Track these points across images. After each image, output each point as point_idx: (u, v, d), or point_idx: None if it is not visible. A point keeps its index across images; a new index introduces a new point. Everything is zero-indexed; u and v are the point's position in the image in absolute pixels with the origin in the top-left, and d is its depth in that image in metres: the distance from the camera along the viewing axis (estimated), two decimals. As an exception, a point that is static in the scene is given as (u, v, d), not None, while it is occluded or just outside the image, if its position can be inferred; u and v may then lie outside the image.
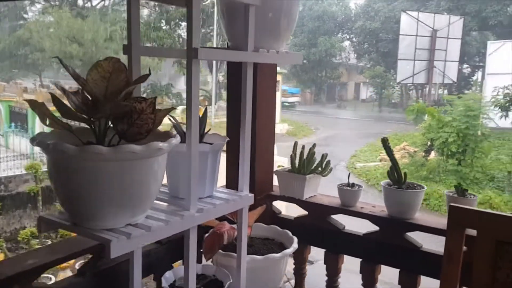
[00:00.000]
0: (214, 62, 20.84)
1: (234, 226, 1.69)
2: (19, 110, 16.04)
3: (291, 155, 2.06)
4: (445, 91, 26.64)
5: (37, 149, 12.44)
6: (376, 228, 1.93)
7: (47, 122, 1.20)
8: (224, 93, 24.50)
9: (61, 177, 1.13)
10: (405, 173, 1.84)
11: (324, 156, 2.02)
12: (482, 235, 1.51)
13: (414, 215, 1.85)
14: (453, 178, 12.81)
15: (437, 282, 1.82)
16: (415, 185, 1.87)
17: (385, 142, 1.82)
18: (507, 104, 12.76)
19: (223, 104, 21.83)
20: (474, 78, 28.06)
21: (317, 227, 2.06)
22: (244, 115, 1.52)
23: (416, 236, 1.87)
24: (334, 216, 2.05)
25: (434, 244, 1.86)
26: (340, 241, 2.02)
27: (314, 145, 2.08)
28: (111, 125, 1.19)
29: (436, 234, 1.78)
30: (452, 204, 1.56)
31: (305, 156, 2.03)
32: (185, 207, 1.34)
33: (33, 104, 1.17)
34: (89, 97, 1.19)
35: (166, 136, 1.23)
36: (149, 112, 1.20)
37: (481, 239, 1.52)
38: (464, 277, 1.55)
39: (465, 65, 28.00)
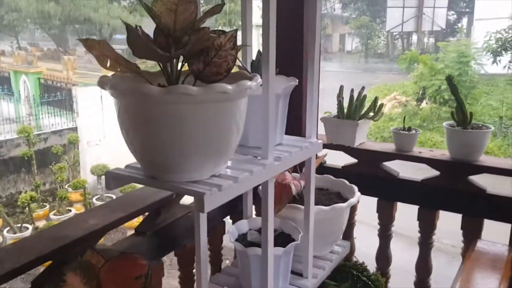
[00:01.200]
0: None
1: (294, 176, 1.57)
2: (-1, 73, 15.49)
3: (339, 100, 1.92)
4: (431, 39, 26.43)
5: (24, 112, 12.11)
6: (436, 173, 1.83)
7: (108, 64, 1.03)
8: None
9: (141, 125, 0.97)
10: (471, 113, 1.72)
11: (376, 99, 1.89)
12: None
13: (479, 157, 1.74)
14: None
15: (502, 226, 1.74)
16: (480, 125, 1.75)
17: (450, 80, 1.69)
18: (499, 49, 12.66)
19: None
20: (459, 25, 27.83)
21: (368, 175, 1.95)
22: (313, 54, 1.37)
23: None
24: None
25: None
26: (394, 188, 1.92)
27: (363, 88, 1.94)
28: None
29: (506, 175, 1.69)
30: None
31: (355, 100, 1.89)
32: (262, 156, 1.20)
33: (90, 43, 1.00)
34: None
35: (242, 76, 1.07)
36: (229, 48, 1.04)
37: None
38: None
39: (451, 12, 27.66)
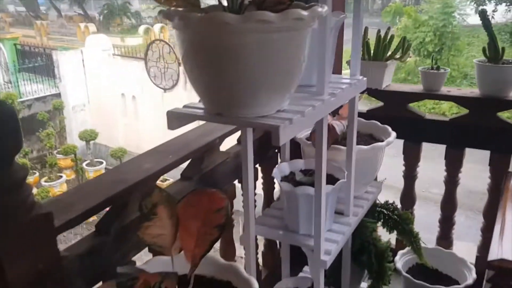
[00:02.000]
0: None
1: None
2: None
3: (366, 41, 1.90)
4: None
5: (1, 79, 11.73)
6: (465, 111, 1.85)
7: None
8: None
9: (211, 58, 0.94)
10: (503, 48, 1.72)
11: (404, 39, 1.87)
12: None
13: (509, 94, 1.76)
14: (430, 78, 12.95)
15: None
16: (511, 61, 1.76)
17: (484, 14, 1.68)
18: (482, -1, 12.67)
19: None
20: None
21: (394, 117, 1.95)
22: (358, -13, 1.34)
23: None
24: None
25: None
26: (421, 129, 1.94)
27: (389, 28, 1.92)
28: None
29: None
30: None
31: (383, 41, 1.87)
32: (318, 92, 1.18)
33: None
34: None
35: (300, 7, 1.03)
36: (293, -25, 1.00)
37: None
38: None
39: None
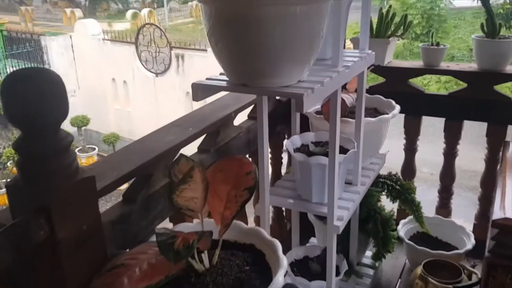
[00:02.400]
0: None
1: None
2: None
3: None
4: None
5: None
6: (463, 85, 1.92)
7: None
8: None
9: (237, 31, 1.00)
10: (499, 24, 1.79)
11: (406, 16, 1.94)
12: None
13: (505, 67, 1.84)
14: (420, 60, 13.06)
15: None
16: (507, 36, 1.83)
17: (482, -10, 1.74)
18: (469, -20, 12.73)
19: (175, 5, 20.70)
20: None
21: (396, 92, 2.02)
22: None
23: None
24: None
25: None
26: (421, 103, 2.02)
27: (390, 6, 1.98)
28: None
29: (532, 82, 1.79)
30: None
31: (386, 18, 1.93)
32: (333, 63, 1.25)
33: None
34: None
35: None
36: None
37: None
38: None
39: None
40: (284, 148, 1.93)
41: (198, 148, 1.48)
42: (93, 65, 9.84)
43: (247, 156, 1.74)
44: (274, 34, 0.98)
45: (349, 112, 1.70)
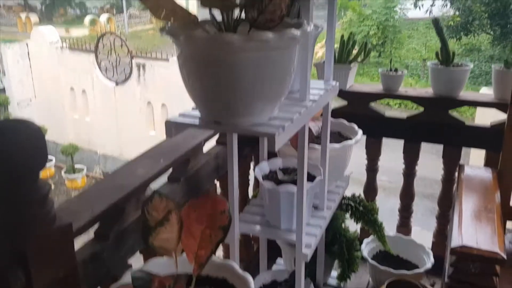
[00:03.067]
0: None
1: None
2: None
3: (331, 45, 2.02)
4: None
5: None
6: (420, 110, 2.02)
7: (163, 15, 1.07)
8: (132, 1, 22.84)
9: (212, 72, 1.03)
10: (453, 52, 1.90)
11: (366, 43, 2.02)
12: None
13: (460, 93, 1.94)
14: (375, 70, 13.43)
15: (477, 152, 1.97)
16: (460, 63, 1.94)
17: (437, 22, 1.84)
18: (421, -7, 13.24)
19: (135, 11, 20.43)
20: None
21: (358, 115, 2.10)
22: (332, 2, 1.46)
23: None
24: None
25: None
26: (382, 126, 2.10)
27: (351, 33, 2.06)
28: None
29: (483, 107, 1.91)
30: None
31: (347, 45, 2.00)
32: (301, 98, 1.30)
33: None
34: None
35: (292, 24, 1.14)
36: (282, -4, 1.10)
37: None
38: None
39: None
40: (251, 170, 1.97)
41: (168, 177, 1.49)
42: (51, 73, 9.59)
43: (216, 181, 1.77)
44: (247, 76, 1.02)
45: (314, 137, 1.75)
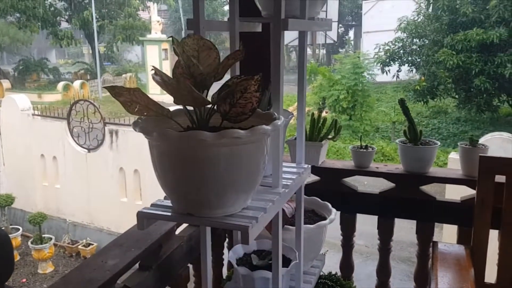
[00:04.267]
0: (95, 31, 19.50)
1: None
2: None
3: (302, 123, 2.07)
4: (322, 51, 28.13)
5: None
6: (392, 185, 2.05)
7: (136, 109, 1.09)
8: (106, 66, 23.20)
9: (184, 166, 1.03)
10: (420, 131, 1.96)
11: (336, 122, 2.07)
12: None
13: (429, 169, 1.99)
14: (347, 133, 13.74)
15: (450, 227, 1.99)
16: (428, 141, 2.00)
17: (403, 102, 1.92)
18: (387, 60, 13.86)
19: (109, 77, 20.69)
20: (347, 37, 29.87)
21: (330, 191, 2.12)
22: (302, 86, 1.50)
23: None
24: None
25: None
26: (355, 201, 2.12)
27: (321, 111, 2.11)
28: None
29: (453, 184, 1.96)
30: (481, 154, 1.72)
31: (317, 123, 2.05)
32: (273, 185, 1.31)
33: (118, 91, 1.05)
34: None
35: (268, 115, 1.17)
36: (253, 90, 1.13)
37: (510, 184, 1.70)
38: (493, 220, 1.73)
39: (339, 25, 29.58)
40: (225, 252, 1.93)
41: (140, 265, 1.45)
42: (21, 140, 9.45)
43: (189, 264, 1.72)
44: (220, 170, 1.02)
45: (288, 218, 1.75)
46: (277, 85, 1.26)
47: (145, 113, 1.11)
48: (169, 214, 1.13)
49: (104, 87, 1.12)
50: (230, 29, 1.44)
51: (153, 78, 1.11)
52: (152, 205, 1.19)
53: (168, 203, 1.17)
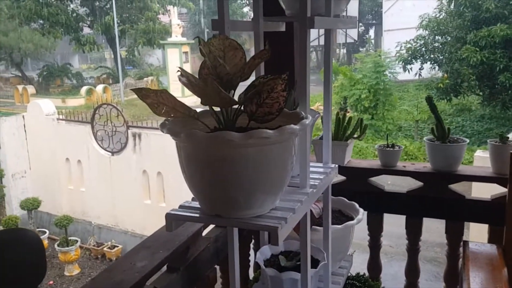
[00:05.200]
0: (117, 36, 19.78)
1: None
2: None
3: (327, 123, 2.05)
4: (342, 50, 27.93)
5: None
6: (420, 184, 2.01)
7: (163, 110, 1.09)
8: (128, 70, 23.50)
9: (213, 167, 1.02)
10: (448, 129, 1.92)
11: (361, 120, 2.05)
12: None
13: (458, 167, 1.95)
14: (369, 132, 13.61)
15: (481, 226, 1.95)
16: (456, 138, 1.96)
17: (430, 100, 1.88)
18: (409, 58, 13.68)
19: (130, 81, 20.94)
20: (368, 36, 29.60)
21: (357, 191, 2.09)
22: (328, 85, 1.49)
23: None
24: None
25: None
26: (382, 201, 2.08)
27: (346, 110, 2.09)
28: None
29: (483, 182, 1.91)
30: (514, 151, 1.67)
31: (343, 122, 2.03)
32: (301, 185, 1.29)
33: (145, 93, 1.05)
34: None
35: (296, 115, 1.16)
36: (280, 90, 1.12)
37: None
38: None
39: (359, 24, 29.36)
40: (251, 253, 1.92)
41: (168, 267, 1.45)
42: (46, 145, 9.63)
43: (216, 266, 1.72)
44: (248, 170, 1.02)
45: (316, 219, 1.73)
46: (304, 83, 1.24)
47: (172, 115, 1.10)
48: (197, 215, 1.12)
49: (131, 89, 1.13)
50: (254, 28, 1.43)
51: (180, 79, 1.10)
52: (181, 206, 1.18)
53: (196, 204, 1.16)
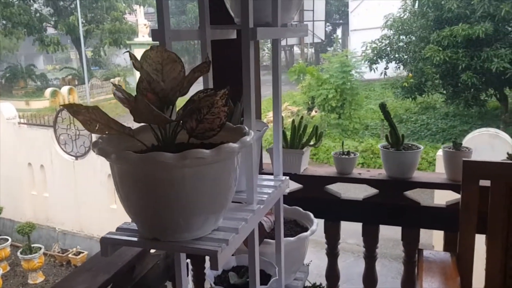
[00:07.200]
0: (82, 36, 19.33)
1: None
2: None
3: (283, 130, 2.02)
4: (310, 50, 28.10)
5: None
6: (375, 191, 2.01)
7: (96, 128, 1.03)
8: (94, 71, 23.01)
9: (147, 189, 0.97)
10: (402, 136, 1.92)
11: (317, 128, 2.02)
12: (496, 184, 1.65)
13: (412, 174, 1.95)
14: (336, 131, 13.74)
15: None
16: (410, 145, 1.96)
17: (384, 107, 1.87)
18: (375, 58, 13.84)
19: (97, 82, 20.52)
20: (335, 35, 29.87)
21: (314, 199, 2.08)
22: (277, 94, 1.45)
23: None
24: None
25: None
26: (339, 208, 2.07)
27: (302, 117, 2.06)
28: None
29: (436, 189, 1.91)
30: (465, 159, 1.68)
31: (298, 130, 2.00)
32: (248, 201, 1.25)
33: (76, 109, 0.99)
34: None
35: (239, 130, 1.11)
36: (221, 105, 1.07)
37: (495, 188, 1.66)
38: (479, 225, 1.69)
39: (327, 24, 29.60)
40: (207, 265, 1.87)
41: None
42: (7, 150, 9.31)
43: (167, 282, 1.66)
44: (185, 192, 0.97)
45: (267, 233, 1.69)
46: (249, 97, 1.20)
47: (106, 132, 1.04)
48: (135, 239, 1.07)
49: (61, 105, 1.06)
50: (200, 37, 1.38)
51: (114, 95, 1.05)
52: (118, 229, 1.13)
53: (135, 226, 1.11)
